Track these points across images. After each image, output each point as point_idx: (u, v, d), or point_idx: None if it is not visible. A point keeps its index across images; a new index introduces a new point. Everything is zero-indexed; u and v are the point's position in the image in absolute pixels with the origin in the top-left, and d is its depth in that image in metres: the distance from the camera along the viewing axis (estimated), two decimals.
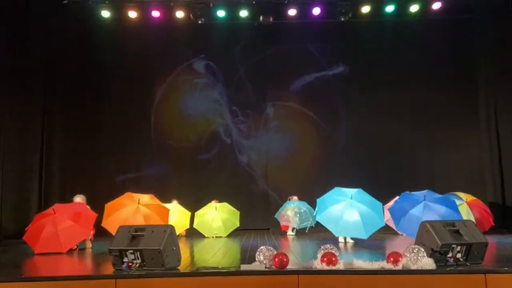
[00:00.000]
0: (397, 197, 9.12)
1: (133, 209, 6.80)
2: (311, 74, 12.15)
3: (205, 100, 12.15)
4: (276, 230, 10.78)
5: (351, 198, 7.27)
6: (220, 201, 10.62)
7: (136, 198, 7.34)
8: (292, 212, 9.34)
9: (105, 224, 7.36)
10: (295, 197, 10.38)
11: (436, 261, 4.31)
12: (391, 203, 8.74)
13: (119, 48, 11.85)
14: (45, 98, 10.64)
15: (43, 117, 10.59)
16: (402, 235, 8.31)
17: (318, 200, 7.73)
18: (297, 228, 9.51)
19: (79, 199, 8.09)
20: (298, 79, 12.14)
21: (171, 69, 12.10)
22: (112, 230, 6.97)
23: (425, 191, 7.55)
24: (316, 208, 7.89)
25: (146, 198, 7.49)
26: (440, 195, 7.16)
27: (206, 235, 9.78)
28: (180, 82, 12.14)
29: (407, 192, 7.87)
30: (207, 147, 12.02)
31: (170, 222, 8.24)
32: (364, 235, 7.00)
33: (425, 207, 6.74)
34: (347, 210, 7.16)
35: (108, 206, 7.36)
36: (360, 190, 7.50)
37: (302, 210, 8.94)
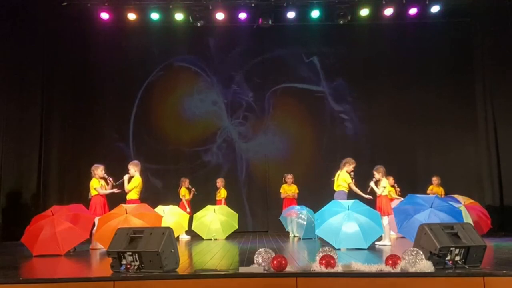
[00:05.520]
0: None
1: (121, 219, 6.74)
2: (310, 76, 12.18)
3: (204, 103, 12.17)
4: (275, 233, 10.80)
5: (348, 209, 7.27)
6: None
7: (124, 208, 7.11)
8: (302, 221, 9.27)
9: (96, 237, 7.30)
10: (290, 176, 10.61)
11: (434, 264, 4.31)
12: None
13: (118, 49, 11.87)
14: (43, 100, 10.64)
15: (42, 120, 10.58)
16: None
17: (316, 214, 7.76)
18: (299, 236, 9.47)
19: (99, 169, 8.14)
20: (297, 81, 12.16)
21: (170, 71, 12.12)
22: (102, 242, 6.99)
23: (433, 196, 7.59)
24: (315, 222, 7.90)
25: (136, 207, 7.27)
26: (448, 204, 7.15)
27: (204, 237, 9.78)
28: (178, 84, 12.16)
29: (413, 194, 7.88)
30: (206, 150, 12.03)
31: (169, 224, 8.27)
32: (364, 245, 7.01)
33: (431, 214, 6.73)
34: (345, 221, 7.17)
35: (100, 219, 7.33)
36: (357, 200, 7.53)
37: (312, 225, 8.85)
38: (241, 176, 11.99)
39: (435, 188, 10.35)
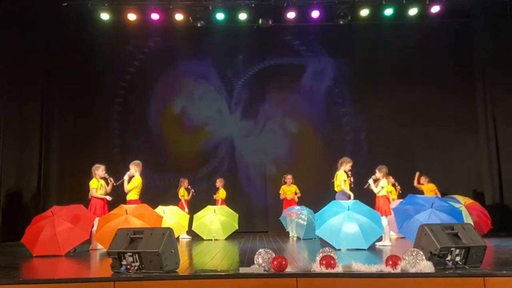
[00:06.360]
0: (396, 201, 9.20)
1: (121, 220, 6.73)
2: (310, 76, 12.18)
3: (204, 102, 12.16)
4: (275, 233, 10.80)
5: (349, 210, 7.27)
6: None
7: (125, 209, 7.08)
8: (302, 221, 9.28)
9: (96, 237, 7.29)
10: (289, 176, 10.57)
11: (435, 264, 4.31)
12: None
13: (118, 50, 11.88)
14: (43, 100, 10.63)
15: (42, 120, 10.58)
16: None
17: (316, 215, 7.75)
18: (298, 236, 9.47)
19: (100, 169, 8.13)
20: (297, 81, 12.17)
21: (170, 71, 12.13)
22: (103, 243, 7.00)
23: (433, 196, 7.59)
24: (315, 222, 7.90)
25: (136, 207, 7.23)
26: (448, 204, 7.16)
27: (204, 238, 9.79)
28: (179, 84, 12.16)
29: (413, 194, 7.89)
30: (206, 150, 12.03)
31: (169, 224, 8.28)
32: (364, 245, 7.01)
33: (431, 215, 6.73)
34: (345, 221, 7.17)
35: (100, 219, 7.32)
36: (357, 201, 7.53)
37: (312, 225, 8.84)
38: (241, 176, 11.99)
39: (427, 185, 10.37)
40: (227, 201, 10.87)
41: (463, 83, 11.65)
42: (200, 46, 12.18)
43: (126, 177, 7.97)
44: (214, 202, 10.76)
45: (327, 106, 12.10)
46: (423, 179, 10.47)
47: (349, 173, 8.18)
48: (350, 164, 8.25)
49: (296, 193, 10.57)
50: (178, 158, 11.91)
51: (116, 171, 8.59)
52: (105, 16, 11.03)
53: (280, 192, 10.67)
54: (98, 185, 8.08)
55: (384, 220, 7.90)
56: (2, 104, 9.65)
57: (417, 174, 10.43)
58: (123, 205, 7.26)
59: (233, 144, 12.10)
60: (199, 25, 11.16)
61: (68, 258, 6.65)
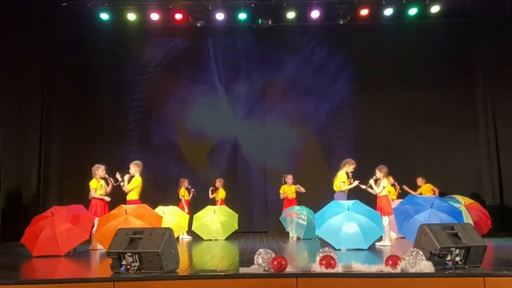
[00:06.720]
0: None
1: (121, 220, 6.72)
2: (309, 76, 12.18)
3: (203, 103, 12.14)
4: (275, 233, 10.80)
5: (348, 210, 7.27)
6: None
7: (124, 209, 7.07)
8: (302, 221, 9.28)
9: (96, 238, 7.29)
10: (290, 176, 10.52)
11: (434, 264, 4.31)
12: None
13: (118, 50, 11.88)
14: (43, 100, 10.64)
15: (42, 120, 10.58)
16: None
17: (316, 215, 7.75)
18: (298, 236, 9.48)
19: (101, 169, 8.13)
20: (297, 81, 12.17)
21: (169, 71, 12.11)
22: (102, 243, 7.01)
23: (433, 196, 7.58)
24: (315, 222, 7.90)
25: (136, 207, 7.21)
26: (448, 204, 7.16)
27: (204, 238, 9.78)
28: (178, 84, 12.15)
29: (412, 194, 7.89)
30: (206, 151, 12.01)
31: (169, 224, 8.27)
32: (364, 245, 7.01)
33: (431, 215, 6.74)
34: (345, 221, 7.17)
35: (100, 219, 7.31)
36: (357, 201, 7.53)
37: (312, 225, 8.84)
38: (240, 176, 11.98)
39: (424, 186, 10.36)
40: (227, 201, 10.88)
41: (463, 83, 11.65)
42: (200, 46, 12.18)
43: (126, 177, 7.98)
44: (214, 202, 10.76)
45: (327, 106, 12.09)
46: (420, 180, 10.47)
47: (350, 174, 8.16)
48: (353, 166, 8.22)
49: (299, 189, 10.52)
50: (178, 158, 11.90)
51: (117, 171, 8.57)
52: (105, 16, 11.03)
53: (280, 192, 10.66)
54: (98, 186, 8.08)
55: (385, 220, 7.90)
56: (2, 104, 9.66)
57: (405, 187, 10.38)
58: (123, 205, 7.26)
59: (234, 144, 12.08)
60: (199, 25, 11.16)
61: (68, 258, 6.64)
